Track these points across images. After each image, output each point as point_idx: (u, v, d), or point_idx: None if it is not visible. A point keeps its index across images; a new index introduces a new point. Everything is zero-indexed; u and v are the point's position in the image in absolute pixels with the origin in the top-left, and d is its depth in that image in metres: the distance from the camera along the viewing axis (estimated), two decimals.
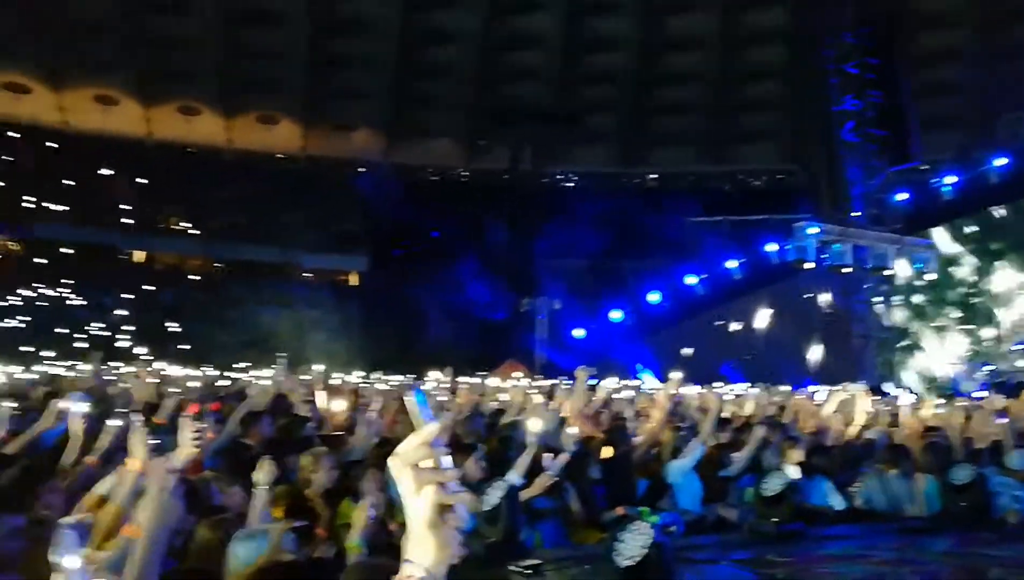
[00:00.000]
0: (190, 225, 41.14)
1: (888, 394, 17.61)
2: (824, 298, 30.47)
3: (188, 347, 32.20)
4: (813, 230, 25.89)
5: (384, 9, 40.10)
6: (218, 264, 41.62)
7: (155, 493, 2.32)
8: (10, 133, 41.36)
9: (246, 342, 34.31)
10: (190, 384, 11.71)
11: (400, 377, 16.96)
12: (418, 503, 1.21)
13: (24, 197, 37.98)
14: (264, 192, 43.72)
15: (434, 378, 12.52)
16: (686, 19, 41.58)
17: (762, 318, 30.08)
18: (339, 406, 7.93)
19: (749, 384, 16.26)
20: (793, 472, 5.86)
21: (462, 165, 50.74)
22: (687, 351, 26.48)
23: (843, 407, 9.77)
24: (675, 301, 29.64)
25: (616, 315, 29.93)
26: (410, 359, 24.28)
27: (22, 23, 38.50)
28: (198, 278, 40.22)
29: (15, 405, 4.79)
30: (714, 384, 14.11)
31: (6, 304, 33.15)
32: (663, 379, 20.10)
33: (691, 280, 29.31)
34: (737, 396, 12.89)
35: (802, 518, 5.20)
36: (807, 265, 26.49)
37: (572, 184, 49.91)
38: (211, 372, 19.10)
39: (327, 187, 43.00)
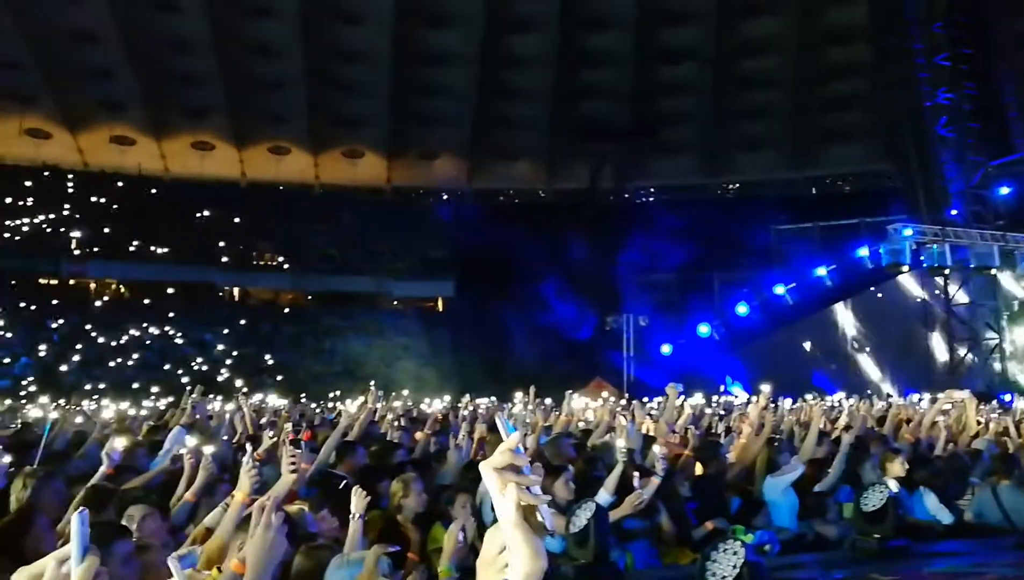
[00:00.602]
0: (283, 260, 42.65)
1: (1003, 399, 16.65)
2: (923, 302, 29.16)
3: (283, 378, 33.23)
4: (908, 232, 24.82)
5: (462, 39, 40.90)
6: (310, 296, 42.94)
7: (262, 531, 2.36)
8: (118, 182, 44.12)
9: (339, 371, 35.19)
10: (286, 414, 12.09)
11: (488, 400, 17.08)
12: (503, 504, 1.27)
13: (131, 241, 40.22)
14: (352, 224, 45.05)
15: (520, 399, 12.56)
16: (761, 23, 40.84)
17: (857, 325, 28.97)
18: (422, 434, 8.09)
19: (845, 394, 15.68)
20: (894, 485, 5.62)
21: (543, 186, 51.10)
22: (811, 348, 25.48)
23: (948, 415, 9.32)
24: (764, 312, 28.84)
25: (704, 329, 29.35)
26: (498, 381, 24.43)
27: (127, 81, 41.07)
28: (291, 311, 41.58)
29: (125, 442, 5.06)
30: (808, 396, 13.64)
31: (115, 343, 34.97)
32: (752, 392, 19.60)
33: (780, 290, 28.47)
34: (832, 407, 12.44)
35: (907, 534, 4.97)
36: (903, 269, 25.41)
37: (653, 198, 49.49)
38: (306, 402, 19.64)
39: (412, 216, 43.94)
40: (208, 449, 5.21)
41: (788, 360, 27.13)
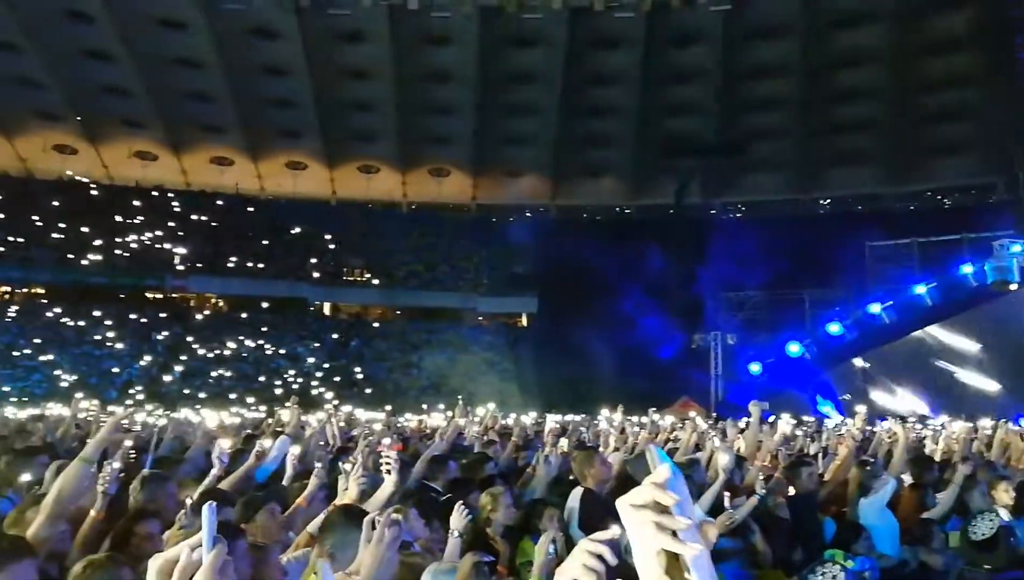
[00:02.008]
0: (371, 275, 43.69)
1: None
2: None
3: (371, 391, 33.94)
4: (1017, 247, 23.59)
5: (547, 58, 41.20)
6: (398, 311, 43.80)
7: (375, 545, 2.38)
8: (218, 201, 46.22)
9: (424, 385, 35.73)
10: (375, 427, 12.35)
11: (573, 416, 17.03)
12: (641, 551, 1.05)
13: (229, 257, 41.97)
14: (438, 241, 45.84)
15: (605, 417, 12.46)
16: (856, 34, 39.62)
17: (959, 346, 27.58)
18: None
19: (949, 417, 14.95)
20: (1005, 514, 5.34)
21: (627, 202, 50.80)
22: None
23: None
24: (859, 331, 27.78)
25: (794, 348, 28.50)
26: (580, 398, 24.33)
27: (226, 105, 43.04)
28: (380, 325, 42.48)
29: (230, 443, 5.29)
30: (907, 419, 13.07)
31: (214, 355, 36.46)
32: (845, 414, 18.92)
33: (875, 308, 27.39)
34: (936, 431, 11.89)
35: (1020, 565, 4.73)
36: (1011, 286, 24.13)
37: (740, 214, 48.52)
38: (394, 414, 19.98)
39: (497, 233, 44.37)
40: (290, 449, 5.41)
41: (886, 382, 26.05)
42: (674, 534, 1.02)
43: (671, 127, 44.46)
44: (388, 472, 3.72)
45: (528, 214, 49.86)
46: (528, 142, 46.86)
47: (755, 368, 28.77)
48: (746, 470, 6.28)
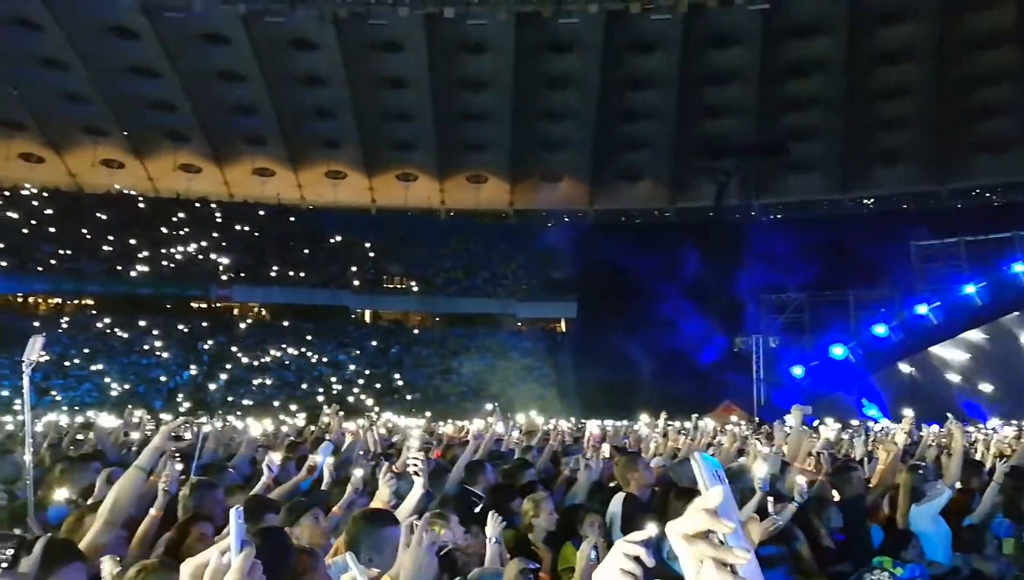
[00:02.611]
0: (411, 283, 44.01)
1: None
2: None
3: (411, 398, 34.15)
4: None
5: (583, 62, 41.16)
6: (437, 318, 44.04)
7: (414, 549, 2.41)
8: (260, 211, 47.00)
9: (464, 391, 35.85)
10: (414, 433, 12.41)
11: (612, 421, 16.96)
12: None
13: (271, 266, 42.63)
14: (477, 247, 46.03)
15: (646, 422, 12.39)
16: (897, 30, 38.91)
17: (1012, 347, 26.82)
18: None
19: (1001, 420, 14.56)
20: None
21: (665, 205, 50.49)
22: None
23: None
24: (905, 333, 27.17)
25: (838, 351, 27.98)
26: (621, 403, 24.20)
27: (267, 116, 43.77)
28: (420, 332, 42.76)
29: (280, 455, 5.40)
30: (953, 422, 12.75)
31: (257, 363, 37.01)
32: (891, 417, 18.52)
33: (922, 309, 26.77)
34: (986, 435, 11.59)
35: None
36: None
37: (781, 215, 47.90)
38: (434, 421, 20.08)
39: (535, 238, 44.41)
40: (328, 459, 5.47)
41: (931, 384, 25.47)
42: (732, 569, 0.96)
43: (709, 129, 44.09)
44: (417, 474, 3.75)
45: (566, 219, 49.81)
46: (565, 147, 46.84)
47: (798, 371, 28.33)
48: (790, 476, 6.20)
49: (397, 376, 37.20)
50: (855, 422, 16.38)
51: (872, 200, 47.25)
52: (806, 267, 31.58)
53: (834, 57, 40.46)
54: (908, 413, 7.43)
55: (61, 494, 4.73)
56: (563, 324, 43.96)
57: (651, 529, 1.14)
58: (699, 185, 46.10)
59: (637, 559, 1.08)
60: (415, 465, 3.79)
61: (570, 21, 38.18)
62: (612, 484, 5.79)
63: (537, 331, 43.40)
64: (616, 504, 5.16)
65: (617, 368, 31.35)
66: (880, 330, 27.34)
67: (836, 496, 6.02)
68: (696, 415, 11.85)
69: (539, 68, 41.25)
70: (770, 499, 5.06)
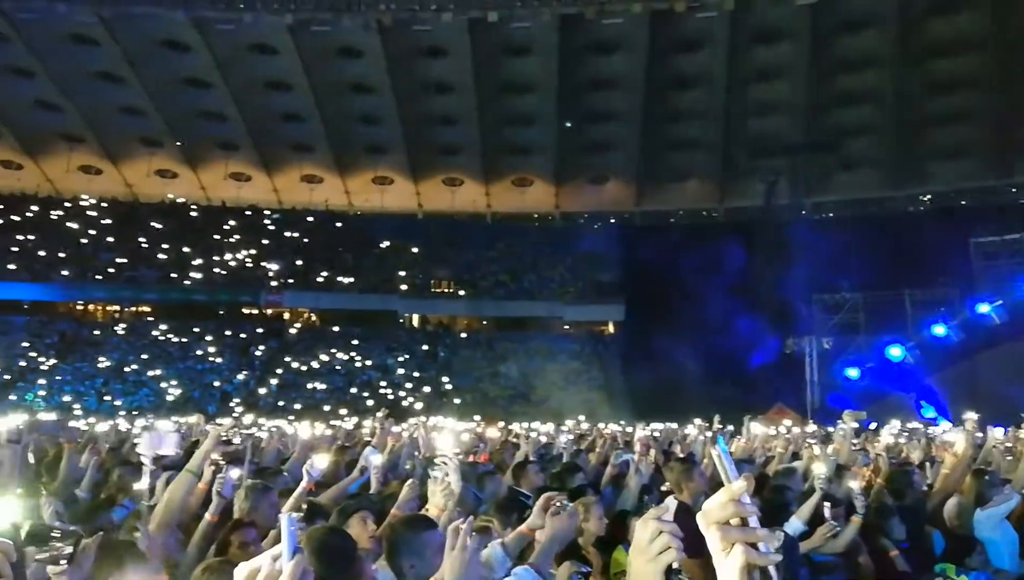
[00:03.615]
0: (458, 287, 44.24)
1: None
2: None
3: (460, 401, 34.29)
4: None
5: (628, 63, 40.92)
6: (484, 321, 44.18)
7: (458, 553, 2.41)
8: (309, 218, 47.75)
9: (513, 395, 35.87)
10: (463, 437, 12.44)
11: (662, 425, 16.77)
12: (726, 565, 1.11)
13: (320, 272, 43.26)
14: (523, 251, 46.07)
15: (698, 425, 12.22)
16: (951, 20, 37.82)
17: None
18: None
19: None
20: None
21: (714, 206, 49.89)
22: None
23: None
24: (965, 332, 26.37)
25: (895, 352, 27.28)
26: (671, 406, 23.93)
27: (315, 124, 44.44)
28: (467, 336, 42.94)
29: (327, 460, 5.45)
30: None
31: (308, 368, 37.56)
32: (952, 420, 17.97)
33: (984, 308, 25.95)
34: None
35: None
36: None
37: (833, 213, 46.97)
38: (482, 424, 20.11)
39: (582, 241, 44.27)
40: (375, 460, 5.50)
41: (998, 385, 24.66)
42: (754, 545, 1.10)
43: (757, 127, 43.46)
44: (446, 475, 3.75)
45: (612, 221, 49.57)
46: (611, 149, 46.62)
47: (853, 373, 27.71)
48: (845, 479, 6.05)
49: (445, 379, 37.40)
50: (914, 425, 15.95)
51: (928, 196, 46.05)
52: (860, 266, 30.90)
53: (885, 51, 39.53)
54: (971, 415, 7.18)
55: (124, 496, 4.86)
56: (611, 327, 43.73)
57: (670, 503, 1.29)
58: (748, 185, 45.42)
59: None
60: (443, 465, 3.78)
61: (614, 22, 37.97)
62: (664, 488, 5.71)
63: (584, 334, 43.25)
64: (668, 511, 5.08)
65: (666, 371, 31.03)
66: (939, 330, 26.58)
67: (895, 501, 5.85)
68: (748, 417, 11.64)
69: (583, 70, 41.10)
70: (826, 504, 4.95)
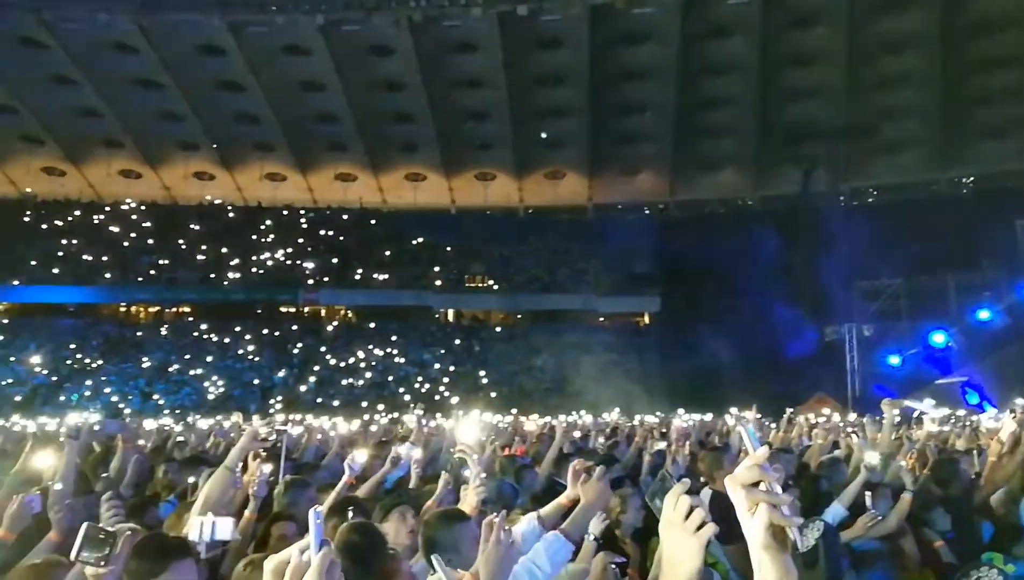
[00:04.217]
0: (492, 281, 44.31)
1: None
2: None
3: (496, 395, 34.36)
4: None
5: (659, 52, 40.55)
6: (519, 315, 44.20)
7: (493, 547, 2.42)
8: (344, 216, 48.18)
9: (549, 387, 35.85)
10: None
11: (699, 416, 16.64)
12: (751, 524, 1.23)
13: (356, 270, 43.63)
14: (557, 244, 45.97)
15: (735, 416, 12.11)
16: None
17: None
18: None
19: None
20: None
21: (749, 194, 49.30)
22: None
23: None
24: (1012, 316, 25.72)
25: (939, 338, 26.71)
26: (708, 397, 23.75)
27: (348, 123, 44.79)
28: (502, 330, 43.00)
29: (365, 454, 5.50)
30: None
31: (345, 364, 37.93)
32: (998, 406, 17.56)
33: None
34: None
35: None
36: None
37: (873, 199, 46.17)
38: (520, 417, 20.12)
39: (615, 232, 44.01)
40: (415, 454, 5.53)
41: None
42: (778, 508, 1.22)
43: (793, 113, 42.82)
44: (478, 474, 3.76)
45: (646, 212, 49.25)
46: (644, 139, 46.28)
47: (895, 360, 27.20)
48: (890, 467, 5.96)
49: (481, 373, 37.51)
50: (961, 412, 15.64)
51: (971, 179, 45.01)
52: (901, 252, 30.35)
53: (927, 31, 38.61)
54: (1019, 402, 7.02)
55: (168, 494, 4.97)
56: (646, 318, 43.50)
57: (684, 483, 1.38)
58: (784, 172, 44.83)
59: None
60: (464, 453, 3.78)
61: (645, 11, 37.64)
62: (703, 479, 5.68)
63: (620, 326, 43.06)
64: (703, 500, 5.05)
65: (703, 362, 30.77)
66: (985, 315, 25.97)
67: (940, 491, 5.75)
68: (791, 410, 11.51)
69: (615, 61, 40.84)
70: (867, 493, 4.88)
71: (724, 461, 5.11)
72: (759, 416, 11.57)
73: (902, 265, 30.96)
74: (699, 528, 1.33)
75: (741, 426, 1.33)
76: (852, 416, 15.95)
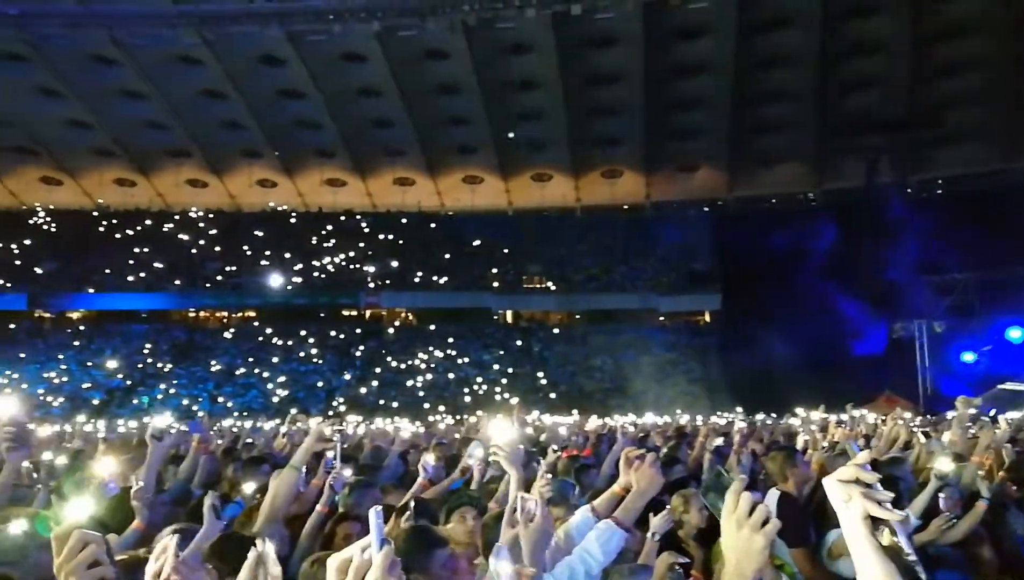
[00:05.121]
0: (550, 282, 44.29)
1: None
2: None
3: (555, 395, 34.34)
4: None
5: (714, 46, 39.98)
6: (578, 315, 44.08)
7: (523, 530, 2.44)
8: (403, 220, 48.78)
9: (609, 388, 35.67)
10: (561, 431, 12.50)
11: (763, 416, 16.37)
12: (848, 515, 1.26)
13: (415, 273, 44.13)
14: (615, 243, 45.72)
15: (802, 416, 11.87)
16: None
17: None
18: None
19: None
20: None
21: (810, 188, 48.22)
22: None
23: None
24: None
25: (1015, 333, 25.72)
26: (772, 397, 23.32)
27: (405, 128, 45.33)
28: (561, 330, 42.95)
29: (435, 457, 5.57)
30: None
31: (406, 366, 38.37)
32: None
33: None
34: None
35: None
36: None
37: (940, 190, 44.68)
38: (580, 418, 20.08)
39: (674, 230, 43.59)
40: (479, 454, 5.55)
41: None
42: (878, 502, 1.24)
43: (853, 104, 41.73)
44: (544, 473, 3.76)
45: (705, 209, 48.59)
46: (700, 135, 45.70)
47: (969, 358, 26.31)
48: (964, 472, 5.76)
49: (540, 374, 37.53)
50: None
51: None
52: (972, 244, 29.31)
53: (993, 15, 37.18)
54: None
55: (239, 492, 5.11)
56: (706, 316, 42.92)
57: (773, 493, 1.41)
58: (845, 165, 43.72)
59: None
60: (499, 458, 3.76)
61: (700, 5, 37.14)
62: (761, 478, 5.59)
63: (680, 325, 42.59)
64: (771, 501, 4.97)
65: (766, 360, 30.23)
66: None
67: (1020, 492, 5.54)
68: (851, 404, 11.23)
69: (670, 57, 40.40)
70: (941, 495, 4.73)
71: (796, 459, 5.01)
72: (826, 416, 11.31)
73: (974, 258, 29.86)
74: (763, 524, 1.34)
75: (848, 441, 1.42)
76: (920, 417, 15.46)
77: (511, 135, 45.17)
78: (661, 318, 42.85)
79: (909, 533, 1.27)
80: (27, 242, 45.28)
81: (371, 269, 44.35)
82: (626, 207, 50.19)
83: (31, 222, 47.19)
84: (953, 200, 39.48)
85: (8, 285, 42.05)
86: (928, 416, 15.13)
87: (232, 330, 42.56)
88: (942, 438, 6.94)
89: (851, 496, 1.25)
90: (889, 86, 41.08)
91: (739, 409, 17.86)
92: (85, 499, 1.93)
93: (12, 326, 40.94)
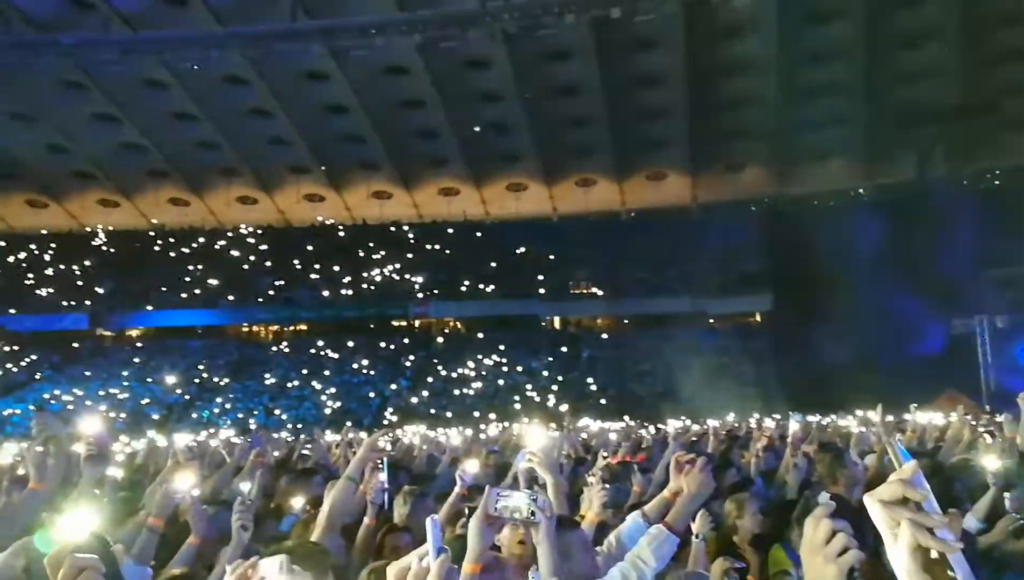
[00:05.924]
0: (597, 287, 44.10)
1: None
2: None
3: (606, 402, 34.12)
4: None
5: (760, 43, 39.44)
6: (626, 320, 43.79)
7: (541, 538, 2.42)
8: (448, 230, 49.09)
9: (660, 392, 35.30)
10: (612, 436, 12.42)
11: (818, 418, 16.02)
12: (896, 549, 1.06)
13: (462, 282, 44.36)
14: (662, 246, 45.28)
15: (860, 417, 11.60)
16: None
17: None
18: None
19: None
20: None
21: (861, 183, 47.21)
22: None
23: None
24: None
25: None
26: (828, 397, 22.84)
27: (448, 137, 45.66)
28: (609, 336, 42.71)
29: (478, 463, 5.60)
30: None
31: (456, 375, 38.56)
32: None
33: None
34: None
35: None
36: None
37: (999, 180, 43.35)
38: (632, 424, 19.95)
39: (722, 231, 42.99)
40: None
41: None
42: (930, 531, 1.02)
43: (905, 95, 40.73)
44: (600, 481, 3.76)
45: (753, 208, 47.91)
46: (746, 135, 45.10)
47: None
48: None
49: (590, 380, 37.36)
50: None
51: None
52: None
53: None
54: None
55: (296, 503, 5.21)
56: (757, 318, 42.27)
57: (829, 506, 1.22)
58: (897, 158, 42.74)
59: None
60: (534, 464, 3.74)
61: (741, 3, 36.70)
62: (814, 480, 5.50)
63: (731, 327, 42.02)
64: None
65: (819, 361, 29.59)
66: None
67: None
68: (915, 405, 10.92)
69: (712, 56, 39.96)
70: (1007, 495, 4.59)
71: (845, 459, 4.91)
72: (886, 417, 11.02)
73: None
74: (841, 554, 1.17)
75: (889, 440, 1.18)
76: (984, 415, 14.99)
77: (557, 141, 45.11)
78: (711, 321, 42.32)
79: (967, 570, 1.02)
80: (87, 263, 46.80)
81: (419, 279, 44.74)
82: (673, 209, 49.77)
83: (91, 244, 48.74)
84: (1014, 189, 38.28)
85: (71, 305, 43.46)
86: (993, 415, 14.65)
87: (285, 343, 43.31)
88: (1007, 437, 6.72)
89: (898, 522, 1.04)
90: (940, 76, 40.04)
91: (804, 416, 17.53)
92: (81, 515, 1.58)
93: (75, 345, 42.28)
